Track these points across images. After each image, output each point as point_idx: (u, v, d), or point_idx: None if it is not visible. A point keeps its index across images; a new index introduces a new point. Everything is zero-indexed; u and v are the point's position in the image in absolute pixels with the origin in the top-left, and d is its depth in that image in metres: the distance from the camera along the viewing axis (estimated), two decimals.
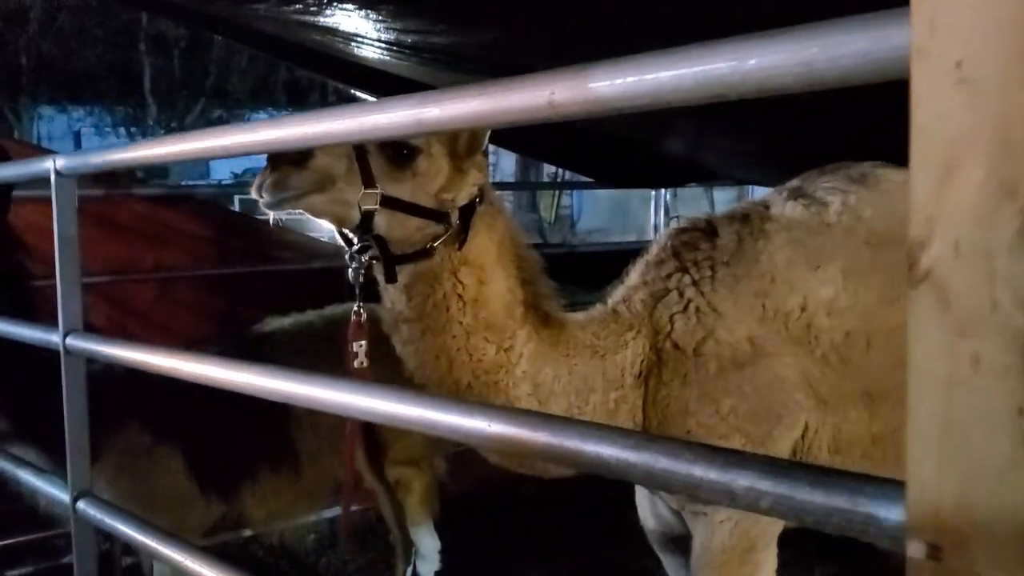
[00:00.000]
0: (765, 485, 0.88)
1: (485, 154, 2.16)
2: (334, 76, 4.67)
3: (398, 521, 3.89)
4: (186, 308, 4.61)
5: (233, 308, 4.76)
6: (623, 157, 5.36)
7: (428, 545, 3.80)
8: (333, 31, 3.31)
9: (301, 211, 2.01)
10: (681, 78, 0.89)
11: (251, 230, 5.31)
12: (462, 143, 2.01)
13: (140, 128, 18.54)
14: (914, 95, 0.64)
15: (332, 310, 3.66)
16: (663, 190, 6.44)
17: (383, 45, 3.30)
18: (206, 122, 18.93)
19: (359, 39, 3.35)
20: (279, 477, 3.33)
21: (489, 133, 2.08)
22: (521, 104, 1.06)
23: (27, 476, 2.41)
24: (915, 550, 0.65)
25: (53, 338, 2.17)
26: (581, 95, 0.99)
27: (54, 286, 2.15)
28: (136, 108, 17.84)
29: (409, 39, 2.78)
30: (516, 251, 2.18)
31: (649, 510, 2.64)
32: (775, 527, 2.24)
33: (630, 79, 0.94)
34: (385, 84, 4.42)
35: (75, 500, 2.18)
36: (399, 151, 1.96)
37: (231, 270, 4.89)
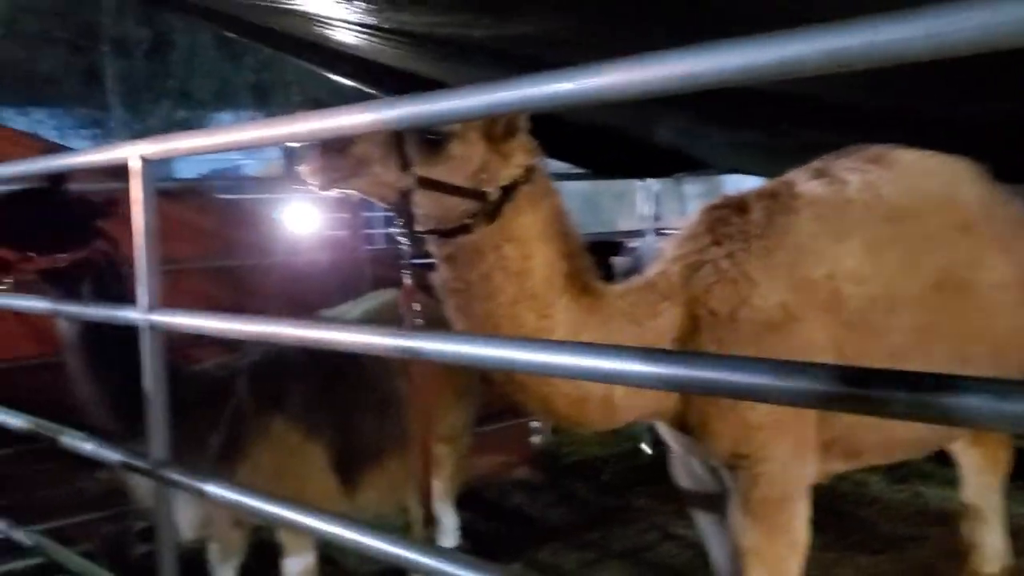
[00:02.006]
0: (900, 395, 1.06)
1: None
2: (346, 74, 4.78)
3: (424, 497, 4.04)
4: (195, 299, 4.68)
5: (239, 300, 4.85)
6: (613, 146, 5.54)
7: (450, 521, 3.95)
8: (334, 22, 3.43)
9: (348, 191, 2.19)
10: (818, 52, 1.07)
11: (252, 224, 5.41)
12: (499, 127, 2.17)
13: (103, 129, 18.35)
14: None
15: (376, 299, 3.82)
16: (642, 187, 6.66)
17: (388, 36, 3.43)
18: (169, 123, 18.78)
19: (351, 27, 3.46)
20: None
21: (528, 117, 2.24)
22: (653, 76, 1.23)
23: (109, 451, 2.52)
24: None
25: (134, 315, 2.29)
26: (714, 68, 1.16)
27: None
28: (98, 110, 17.67)
29: (445, 31, 2.93)
30: (560, 228, 2.34)
31: (683, 470, 2.82)
32: (807, 477, 2.44)
33: (771, 54, 1.11)
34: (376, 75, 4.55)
35: (156, 468, 2.31)
36: (432, 136, 2.12)
37: (236, 263, 4.98)
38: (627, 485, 5.76)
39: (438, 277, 2.29)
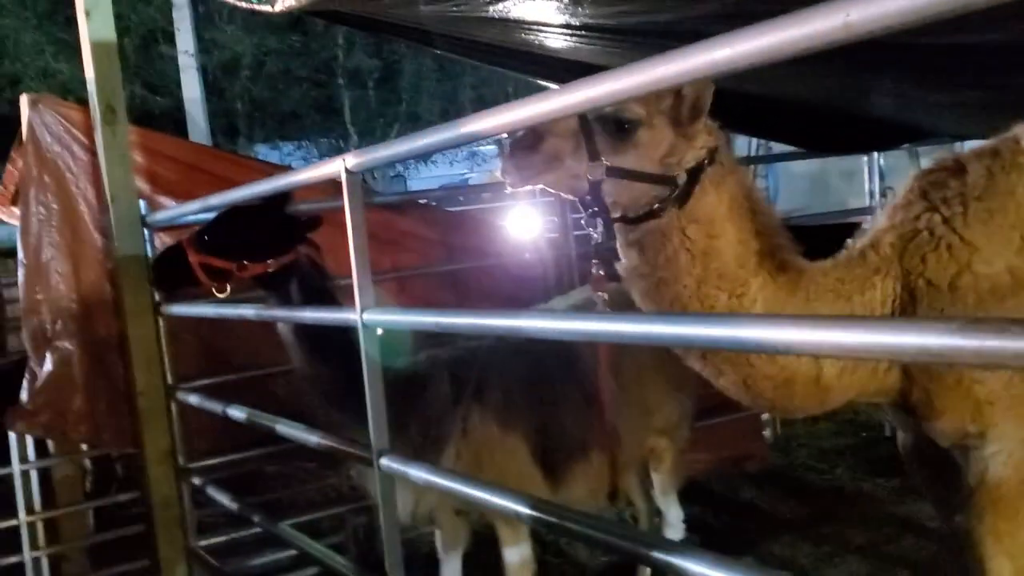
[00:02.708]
0: None
1: None
2: (534, 73, 4.89)
3: (644, 490, 4.05)
4: (420, 302, 4.93)
5: (461, 300, 5.07)
6: (829, 122, 5.28)
7: (674, 514, 3.92)
8: (533, 25, 3.49)
9: (542, 186, 2.24)
10: None
11: (472, 230, 5.65)
12: (685, 110, 2.15)
13: None
14: None
15: (581, 293, 3.89)
16: (867, 162, 6.30)
17: (580, 33, 3.45)
18: None
19: (545, 29, 3.50)
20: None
21: (711, 99, 2.19)
22: (814, 31, 1.18)
23: (333, 441, 2.73)
24: None
25: (351, 316, 2.47)
26: (879, 12, 1.10)
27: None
28: (338, 139, 19.05)
29: (631, 21, 2.93)
30: (749, 206, 2.29)
31: (914, 454, 2.65)
32: None
33: None
34: (574, 73, 4.59)
35: (378, 457, 2.47)
36: (620, 125, 2.13)
37: (458, 266, 5.20)
38: (864, 477, 5.47)
39: (625, 264, 2.30)
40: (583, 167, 2.13)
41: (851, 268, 2.36)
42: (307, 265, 3.15)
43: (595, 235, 2.24)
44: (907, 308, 2.30)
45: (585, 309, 3.54)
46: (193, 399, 3.90)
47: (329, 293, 3.17)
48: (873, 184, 6.08)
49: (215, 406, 3.72)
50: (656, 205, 2.19)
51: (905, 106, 4.53)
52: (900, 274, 2.32)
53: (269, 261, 3.11)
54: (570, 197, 2.29)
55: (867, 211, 6.32)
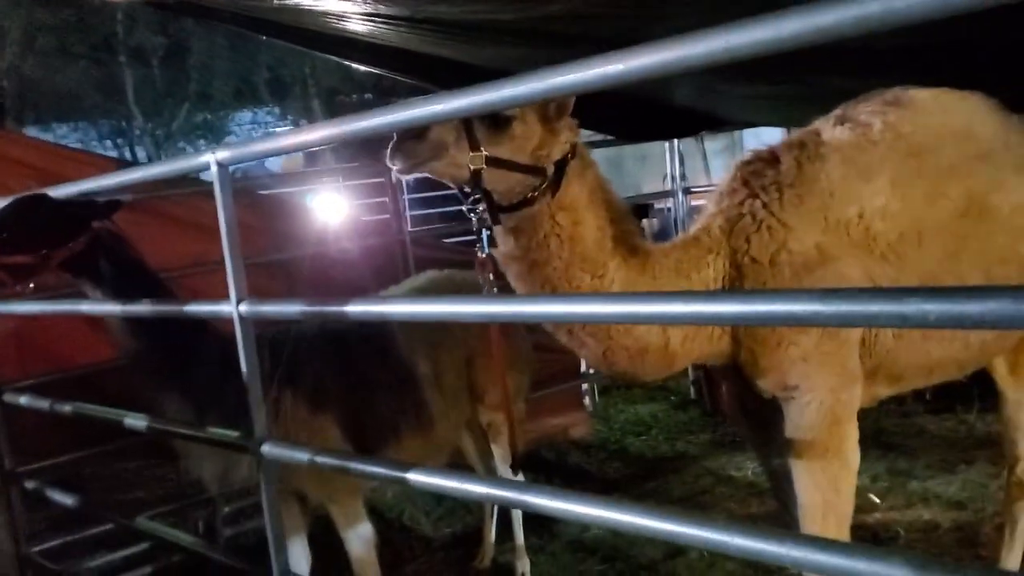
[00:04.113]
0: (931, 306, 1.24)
1: None
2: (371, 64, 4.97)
3: (485, 464, 4.28)
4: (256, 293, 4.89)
5: (292, 290, 5.06)
6: (637, 111, 5.69)
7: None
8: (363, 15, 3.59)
9: (426, 173, 2.39)
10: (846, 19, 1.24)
11: (297, 217, 5.64)
12: (552, 108, 2.37)
13: (126, 139, 18.74)
14: None
15: (421, 279, 4.03)
16: (664, 146, 6.81)
17: (420, 25, 3.60)
18: (191, 127, 19.14)
19: (380, 19, 3.63)
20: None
21: (575, 98, 2.43)
22: (699, 52, 1.41)
23: (204, 431, 2.76)
24: None
25: (226, 308, 2.51)
26: (754, 38, 1.33)
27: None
28: (121, 119, 18.04)
29: (476, 18, 3.10)
30: (604, 196, 2.54)
31: (737, 402, 3.01)
32: (854, 402, 2.62)
33: (795, 23, 1.28)
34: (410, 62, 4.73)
35: (259, 444, 2.53)
36: (497, 120, 2.32)
37: (287, 256, 5.17)
38: (678, 437, 5.98)
39: (500, 249, 2.49)
40: (466, 156, 2.30)
41: (688, 250, 2.67)
42: (109, 240, 3.09)
43: (474, 221, 2.42)
44: (735, 282, 2.64)
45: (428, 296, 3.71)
46: (23, 400, 3.74)
47: (142, 267, 3.15)
48: (673, 169, 6.58)
49: (43, 405, 3.61)
50: (530, 194, 2.40)
51: (706, 97, 4.98)
52: (728, 253, 2.65)
53: (69, 244, 3.01)
54: (452, 185, 2.45)
55: (666, 194, 6.86)
